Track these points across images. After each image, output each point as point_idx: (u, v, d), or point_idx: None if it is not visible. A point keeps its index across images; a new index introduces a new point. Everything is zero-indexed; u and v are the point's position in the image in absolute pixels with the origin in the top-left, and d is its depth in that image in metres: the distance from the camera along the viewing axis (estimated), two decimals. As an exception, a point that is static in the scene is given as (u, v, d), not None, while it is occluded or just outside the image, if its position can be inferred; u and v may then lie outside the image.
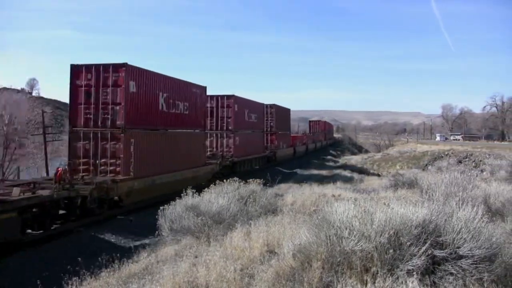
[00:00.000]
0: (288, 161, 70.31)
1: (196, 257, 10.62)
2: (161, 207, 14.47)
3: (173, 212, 14.19)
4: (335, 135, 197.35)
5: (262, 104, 59.97)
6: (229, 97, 45.27)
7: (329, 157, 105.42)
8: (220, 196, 14.99)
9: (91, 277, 11.08)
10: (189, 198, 14.86)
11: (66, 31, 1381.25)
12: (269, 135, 63.66)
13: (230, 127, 45.00)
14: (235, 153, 45.04)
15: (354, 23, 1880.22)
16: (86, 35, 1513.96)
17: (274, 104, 65.52)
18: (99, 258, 12.01)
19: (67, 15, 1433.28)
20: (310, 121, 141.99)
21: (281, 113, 70.09)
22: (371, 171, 65.36)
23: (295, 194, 21.29)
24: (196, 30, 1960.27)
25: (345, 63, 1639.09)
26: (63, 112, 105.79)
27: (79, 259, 11.97)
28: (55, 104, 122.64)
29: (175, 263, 10.46)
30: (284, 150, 71.35)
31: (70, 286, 10.37)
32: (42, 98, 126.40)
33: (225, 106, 44.98)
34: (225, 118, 44.85)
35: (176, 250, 12.62)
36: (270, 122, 63.73)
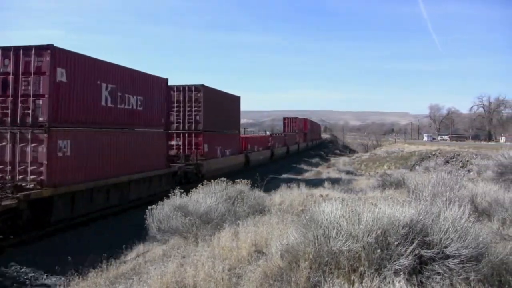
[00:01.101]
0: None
1: (184, 257, 10.63)
2: (149, 207, 14.46)
3: (161, 212, 14.19)
4: (323, 135, 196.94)
5: (158, 79, 31.95)
6: (40, 50, 20.43)
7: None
8: (208, 196, 15.01)
9: (79, 277, 11.06)
10: (177, 198, 14.86)
11: (60, 31, 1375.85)
12: (192, 136, 39.65)
13: (41, 119, 20.14)
14: (53, 178, 19.99)
15: (343, 24, 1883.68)
16: (81, 36, 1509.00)
17: (203, 85, 40.53)
18: (87, 258, 12.04)
19: (63, 15, 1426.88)
20: (284, 119, 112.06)
21: (217, 101, 44.41)
22: (358, 171, 65.27)
23: (283, 194, 21.31)
24: (188, 30, 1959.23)
25: (333, 63, 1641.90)
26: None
27: (69, 258, 11.99)
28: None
29: (163, 263, 10.46)
30: (225, 160, 46.01)
31: (58, 286, 10.37)
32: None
33: (32, 71, 20.41)
34: (30, 99, 20.33)
35: (164, 250, 12.63)
36: (195, 115, 39.64)
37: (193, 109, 39.54)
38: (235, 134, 52.59)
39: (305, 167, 69.26)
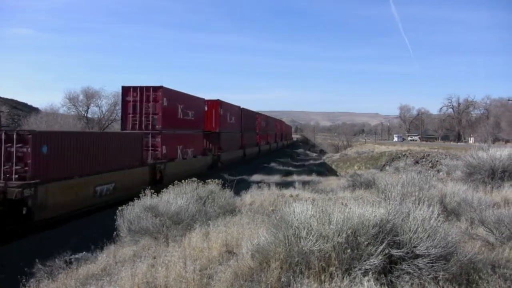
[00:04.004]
0: None
1: (154, 258, 10.58)
2: (119, 208, 14.35)
3: (131, 213, 14.10)
4: (294, 135, 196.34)
5: None
6: None
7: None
8: (178, 197, 14.94)
9: (48, 279, 10.97)
10: (148, 199, 14.78)
11: (28, 30, 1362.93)
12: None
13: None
14: None
15: (314, 25, 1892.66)
16: (49, 35, 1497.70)
17: None
18: (56, 260, 11.95)
19: (31, 13, 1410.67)
20: (123, 89, 38.38)
21: None
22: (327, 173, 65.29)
23: (253, 195, 21.28)
24: (158, 30, 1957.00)
25: (304, 64, 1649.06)
26: (20, 112, 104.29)
27: (37, 260, 11.89)
28: (12, 103, 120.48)
29: (133, 264, 10.40)
30: None
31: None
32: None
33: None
34: None
35: (134, 251, 12.54)
36: None
37: None
38: None
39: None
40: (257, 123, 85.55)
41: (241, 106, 68.79)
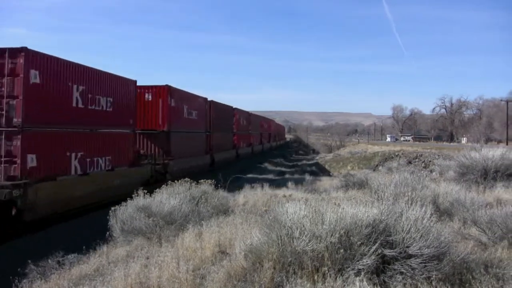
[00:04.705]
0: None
1: (147, 258, 10.56)
2: (112, 208, 14.31)
3: (124, 213, 14.07)
4: (287, 136, 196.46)
5: None
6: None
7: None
8: (171, 197, 14.91)
9: (41, 279, 10.94)
10: (141, 199, 14.75)
11: (21, 30, 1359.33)
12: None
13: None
14: None
15: (308, 25, 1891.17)
16: (43, 34, 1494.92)
17: None
18: (49, 260, 11.93)
19: (26, 13, 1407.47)
20: None
21: None
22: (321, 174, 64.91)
23: (246, 195, 21.27)
24: (153, 29, 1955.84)
25: (298, 64, 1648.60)
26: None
27: (29, 261, 11.85)
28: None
29: (126, 264, 10.37)
30: None
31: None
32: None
33: None
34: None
35: (127, 251, 12.50)
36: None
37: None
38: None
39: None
40: (234, 120, 68.86)
41: (209, 99, 51.89)
